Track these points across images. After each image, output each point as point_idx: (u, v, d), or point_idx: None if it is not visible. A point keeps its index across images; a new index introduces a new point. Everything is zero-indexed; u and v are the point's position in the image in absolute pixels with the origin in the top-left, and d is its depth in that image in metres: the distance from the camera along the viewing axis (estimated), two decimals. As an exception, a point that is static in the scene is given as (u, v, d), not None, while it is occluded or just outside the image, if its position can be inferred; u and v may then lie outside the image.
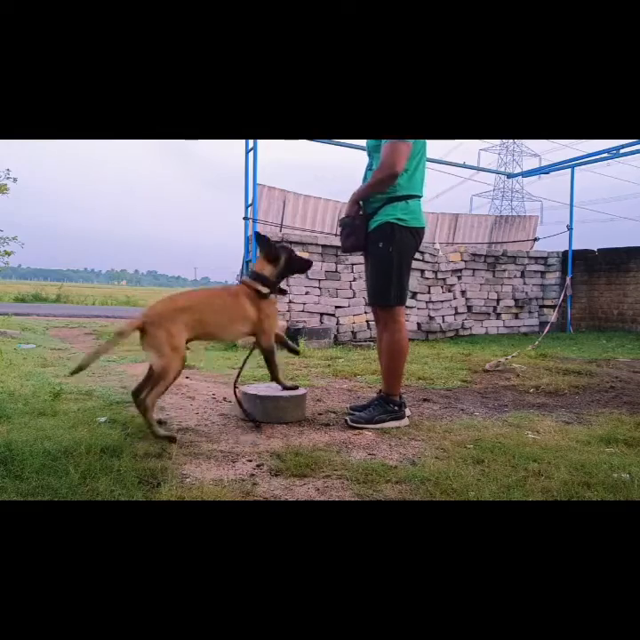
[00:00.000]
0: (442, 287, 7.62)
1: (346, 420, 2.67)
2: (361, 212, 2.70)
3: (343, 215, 2.79)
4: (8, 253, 12.52)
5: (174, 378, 2.35)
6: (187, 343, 2.42)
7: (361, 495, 1.77)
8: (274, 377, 2.78)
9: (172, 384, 2.41)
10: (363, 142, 2.97)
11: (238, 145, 6.92)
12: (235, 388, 2.71)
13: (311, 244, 6.71)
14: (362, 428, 2.59)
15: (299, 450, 2.19)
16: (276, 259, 2.71)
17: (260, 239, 2.74)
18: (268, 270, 2.70)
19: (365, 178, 2.74)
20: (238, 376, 2.74)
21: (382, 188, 2.56)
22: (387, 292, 2.63)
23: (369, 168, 2.73)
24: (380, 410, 2.65)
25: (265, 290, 2.64)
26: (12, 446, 1.98)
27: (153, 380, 2.34)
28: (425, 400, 3.33)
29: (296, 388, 2.84)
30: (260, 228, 6.72)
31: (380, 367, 2.79)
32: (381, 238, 2.58)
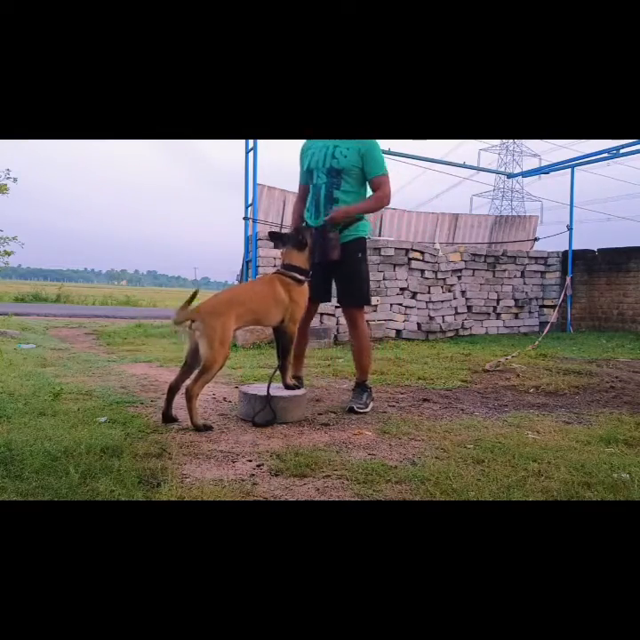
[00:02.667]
0: (442, 287, 7.61)
1: (352, 408, 2.94)
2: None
3: (328, 219, 2.87)
4: (8, 253, 12.50)
5: (219, 368, 2.54)
6: (236, 330, 2.60)
7: (361, 495, 1.77)
8: (283, 368, 2.83)
9: (217, 374, 2.60)
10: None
11: (238, 145, 6.93)
12: (268, 384, 2.71)
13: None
14: (365, 413, 2.91)
15: (299, 450, 2.19)
16: (305, 244, 2.83)
17: (280, 236, 2.93)
18: (299, 259, 2.82)
19: (328, 195, 2.95)
20: (273, 375, 2.80)
21: (372, 212, 3.12)
22: (367, 293, 3.13)
23: (336, 187, 2.92)
24: (366, 394, 3.05)
25: (302, 278, 2.79)
26: (12, 446, 1.98)
27: (200, 370, 2.49)
28: (425, 400, 3.33)
29: (298, 387, 2.86)
30: (260, 228, 6.72)
31: (354, 359, 3.17)
32: (360, 250, 3.03)
